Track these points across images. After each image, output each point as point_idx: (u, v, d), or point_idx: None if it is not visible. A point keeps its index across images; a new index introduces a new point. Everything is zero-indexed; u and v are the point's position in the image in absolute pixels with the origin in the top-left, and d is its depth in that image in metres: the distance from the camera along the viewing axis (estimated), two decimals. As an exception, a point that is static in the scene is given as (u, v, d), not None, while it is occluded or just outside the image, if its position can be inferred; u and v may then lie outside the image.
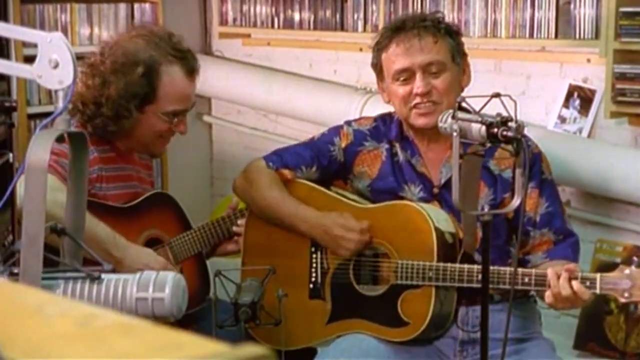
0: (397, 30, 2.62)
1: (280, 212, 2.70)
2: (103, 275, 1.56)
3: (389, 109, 2.80)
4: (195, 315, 2.68)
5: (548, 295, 2.37)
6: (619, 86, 3.28)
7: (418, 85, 2.57)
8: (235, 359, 0.70)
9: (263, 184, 2.72)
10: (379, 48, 2.66)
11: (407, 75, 2.59)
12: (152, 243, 2.74)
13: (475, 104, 2.30)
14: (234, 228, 2.87)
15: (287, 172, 2.73)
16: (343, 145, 2.73)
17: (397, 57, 2.61)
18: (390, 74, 2.62)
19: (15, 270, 1.52)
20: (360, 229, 2.60)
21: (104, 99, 2.61)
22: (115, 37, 2.82)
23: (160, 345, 0.72)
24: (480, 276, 2.37)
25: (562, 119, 3.61)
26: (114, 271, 1.63)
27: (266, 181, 2.72)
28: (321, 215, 2.66)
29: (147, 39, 2.68)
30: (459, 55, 2.64)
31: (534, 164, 2.60)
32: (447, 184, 2.57)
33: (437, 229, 2.53)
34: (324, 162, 2.73)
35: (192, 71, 2.72)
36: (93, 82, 2.63)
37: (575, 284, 2.33)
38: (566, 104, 3.60)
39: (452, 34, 2.64)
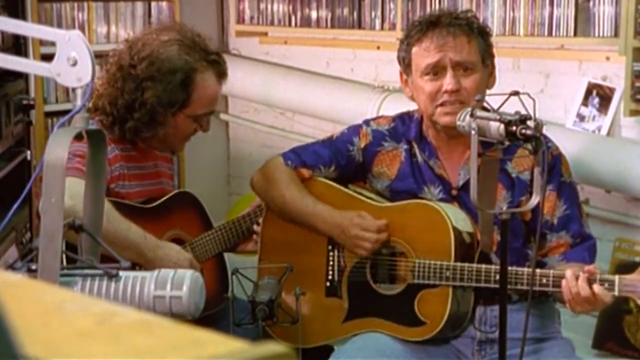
0: (430, 25, 2.57)
1: (298, 210, 2.69)
2: (121, 273, 1.56)
3: (406, 107, 2.78)
4: (214, 315, 2.67)
5: (567, 297, 2.35)
6: (638, 84, 3.27)
7: (448, 82, 2.52)
8: (257, 357, 0.69)
9: (281, 181, 2.71)
10: (409, 42, 2.61)
11: (437, 71, 2.55)
12: (175, 244, 2.74)
13: (494, 102, 2.29)
14: (254, 227, 2.86)
15: (305, 172, 2.72)
16: (362, 145, 2.71)
17: (429, 52, 2.56)
18: (420, 68, 2.57)
19: (34, 267, 1.52)
20: (377, 228, 2.59)
21: (137, 104, 2.59)
22: (141, 37, 2.72)
23: (181, 343, 0.72)
24: (497, 276, 2.36)
25: (581, 117, 3.59)
26: (133, 268, 1.62)
27: (284, 179, 2.71)
28: (339, 213, 2.65)
29: (179, 43, 2.64)
30: (488, 57, 2.61)
31: (554, 166, 2.57)
32: (466, 186, 2.54)
33: (455, 229, 2.51)
34: (342, 162, 2.72)
35: (222, 75, 2.72)
36: (125, 86, 2.59)
37: (596, 287, 2.31)
38: (585, 102, 3.58)
39: (483, 34, 2.60)
